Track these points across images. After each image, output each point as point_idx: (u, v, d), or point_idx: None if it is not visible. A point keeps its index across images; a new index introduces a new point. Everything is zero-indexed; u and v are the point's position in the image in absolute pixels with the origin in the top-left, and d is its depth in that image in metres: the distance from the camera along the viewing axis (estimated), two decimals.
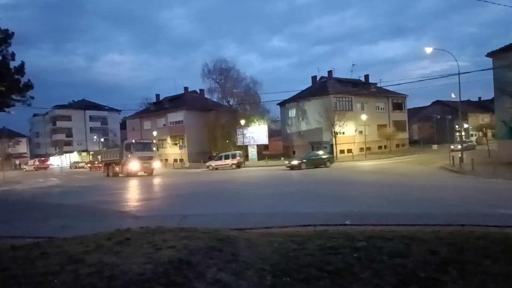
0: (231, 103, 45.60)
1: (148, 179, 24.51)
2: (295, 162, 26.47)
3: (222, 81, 44.84)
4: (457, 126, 39.68)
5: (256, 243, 4.99)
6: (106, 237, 5.43)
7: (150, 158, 28.07)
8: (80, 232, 6.23)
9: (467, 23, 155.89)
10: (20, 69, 17.24)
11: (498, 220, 6.84)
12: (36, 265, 4.07)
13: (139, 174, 27.63)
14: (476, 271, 3.68)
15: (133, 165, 26.85)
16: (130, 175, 26.70)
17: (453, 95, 37.54)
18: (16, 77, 17.19)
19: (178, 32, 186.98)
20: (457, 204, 9.80)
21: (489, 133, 38.13)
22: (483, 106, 64.62)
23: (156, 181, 22.75)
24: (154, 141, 31.96)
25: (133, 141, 30.08)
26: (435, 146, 45.58)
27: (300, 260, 4.12)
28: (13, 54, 16.99)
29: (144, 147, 28.50)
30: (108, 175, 30.36)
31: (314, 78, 49.21)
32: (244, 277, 3.56)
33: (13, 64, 17.11)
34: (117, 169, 29.01)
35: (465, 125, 45.78)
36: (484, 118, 56.41)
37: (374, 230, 5.85)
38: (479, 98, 73.60)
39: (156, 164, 28.86)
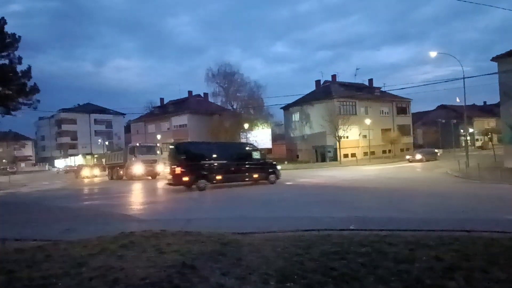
0: (234, 107, 45.71)
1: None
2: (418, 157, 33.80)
3: (226, 85, 45.03)
4: (462, 131, 39.38)
5: (260, 248, 4.97)
6: (110, 240, 5.44)
7: (154, 161, 28.03)
8: (84, 235, 6.24)
9: (468, 30, 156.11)
10: (27, 73, 17.52)
11: (505, 226, 6.74)
12: (41, 268, 4.08)
13: (144, 177, 27.44)
14: (483, 279, 3.63)
15: (137, 168, 26.81)
16: (133, 178, 26.74)
17: (458, 100, 37.40)
18: (23, 80, 17.47)
19: (183, 38, 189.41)
20: (462, 209, 9.70)
21: (495, 138, 37.76)
22: (488, 110, 64.15)
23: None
24: (158, 144, 32.03)
25: (137, 144, 30.21)
26: (440, 151, 45.26)
27: (304, 265, 4.09)
28: (20, 58, 17.29)
29: (148, 151, 28.62)
30: (112, 178, 30.45)
31: (317, 82, 49.21)
32: (248, 282, 3.54)
33: (20, 68, 17.41)
34: (121, 172, 29.04)
35: (470, 130, 45.41)
36: (490, 123, 55.97)
37: (378, 235, 5.80)
38: (484, 102, 73.16)
39: (160, 168, 28.32)
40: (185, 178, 15.92)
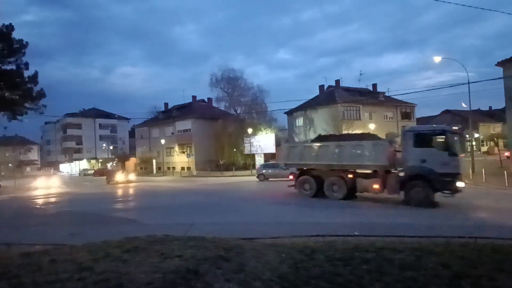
0: (238, 111, 45.81)
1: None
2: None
3: (230, 90, 45.19)
4: (467, 136, 39.08)
5: (264, 253, 4.93)
6: (114, 245, 5.43)
7: None
8: (89, 240, 6.25)
9: (468, 36, 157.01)
10: (34, 78, 17.68)
11: None
12: (45, 273, 4.09)
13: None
14: (490, 286, 3.58)
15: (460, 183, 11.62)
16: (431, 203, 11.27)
17: (463, 105, 37.13)
18: (30, 86, 17.63)
19: (188, 46, 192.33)
20: (469, 215, 9.59)
21: (501, 143, 37.41)
22: (494, 115, 63.64)
23: None
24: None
25: (453, 127, 12.75)
26: None
27: (308, 271, 4.06)
28: (27, 64, 17.45)
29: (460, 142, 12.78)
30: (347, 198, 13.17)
31: (321, 87, 49.16)
32: None
33: (27, 74, 17.59)
34: (375, 186, 12.43)
35: (476, 135, 44.97)
36: (496, 128, 55.45)
37: (384, 242, 5.75)
38: (490, 107, 72.60)
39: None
40: None
